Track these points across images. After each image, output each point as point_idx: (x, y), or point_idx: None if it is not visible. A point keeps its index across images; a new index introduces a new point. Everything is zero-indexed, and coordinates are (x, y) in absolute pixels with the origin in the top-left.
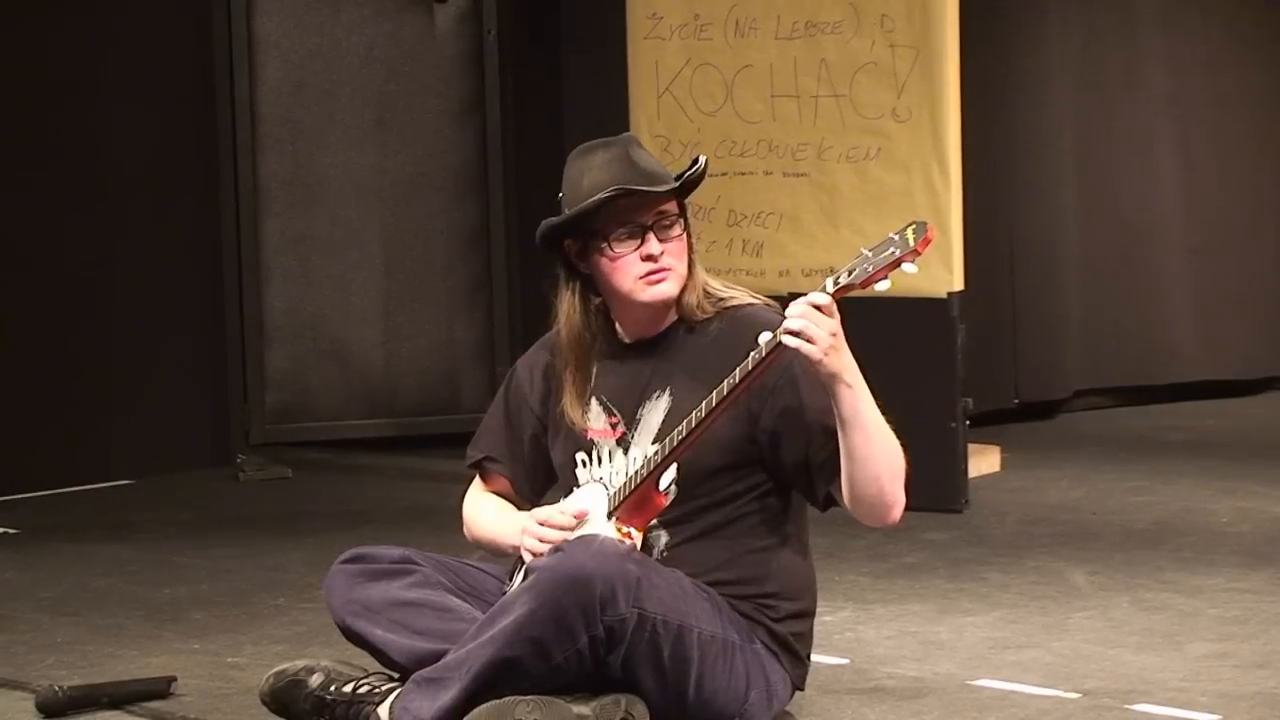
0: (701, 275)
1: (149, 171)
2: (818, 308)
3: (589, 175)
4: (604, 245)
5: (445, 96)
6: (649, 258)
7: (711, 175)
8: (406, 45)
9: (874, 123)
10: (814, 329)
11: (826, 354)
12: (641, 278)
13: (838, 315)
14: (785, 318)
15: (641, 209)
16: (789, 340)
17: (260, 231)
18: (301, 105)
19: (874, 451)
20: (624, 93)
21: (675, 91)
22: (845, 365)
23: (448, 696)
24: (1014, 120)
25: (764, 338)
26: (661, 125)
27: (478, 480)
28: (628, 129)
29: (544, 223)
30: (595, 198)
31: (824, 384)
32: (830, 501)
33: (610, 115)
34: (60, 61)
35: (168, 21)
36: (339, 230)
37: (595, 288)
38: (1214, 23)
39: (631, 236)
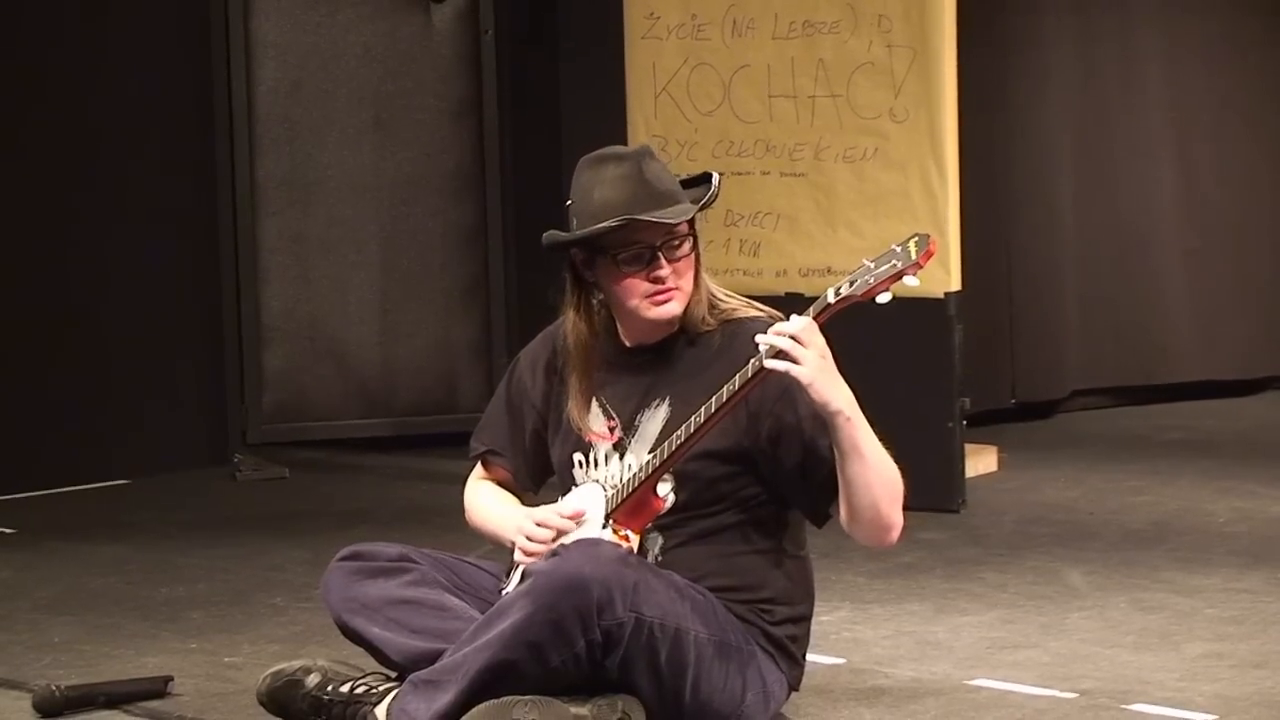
0: (708, 288)
1: (146, 171)
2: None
3: (599, 190)
4: (611, 263)
5: (442, 96)
6: (656, 279)
7: None
8: (403, 45)
9: (871, 123)
10: (798, 349)
11: (815, 375)
12: (648, 297)
13: (821, 337)
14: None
15: (651, 231)
16: (772, 364)
17: (257, 231)
18: (299, 105)
19: (872, 479)
20: (621, 93)
21: (672, 91)
22: (837, 394)
23: (445, 700)
24: (1011, 120)
25: (763, 345)
26: (659, 125)
27: (479, 466)
28: (625, 129)
29: (550, 234)
30: (603, 224)
31: (820, 414)
32: (826, 517)
33: (607, 115)
34: (58, 60)
35: (165, 21)
36: (336, 230)
37: (601, 289)
38: (1211, 23)
39: (639, 258)
